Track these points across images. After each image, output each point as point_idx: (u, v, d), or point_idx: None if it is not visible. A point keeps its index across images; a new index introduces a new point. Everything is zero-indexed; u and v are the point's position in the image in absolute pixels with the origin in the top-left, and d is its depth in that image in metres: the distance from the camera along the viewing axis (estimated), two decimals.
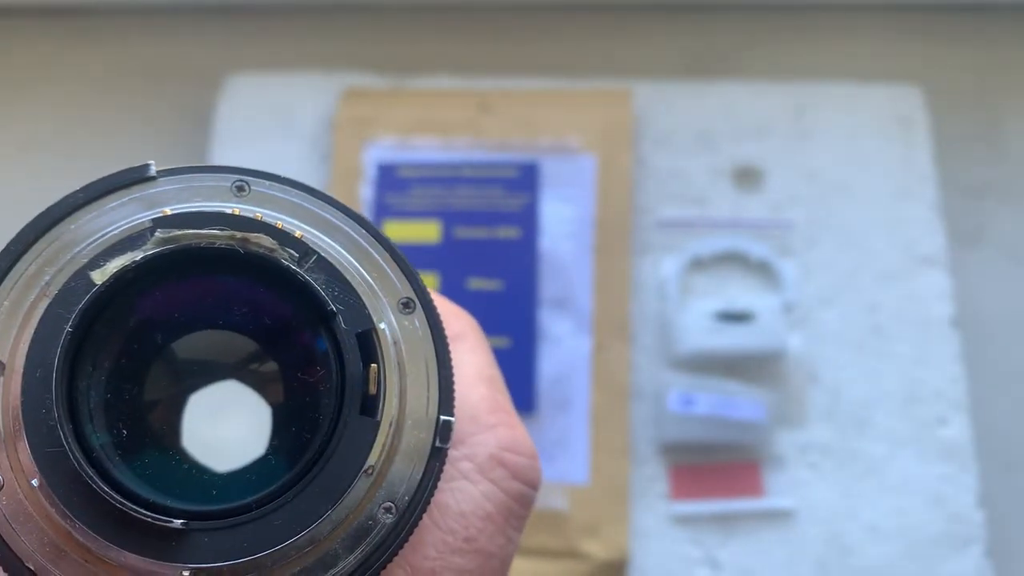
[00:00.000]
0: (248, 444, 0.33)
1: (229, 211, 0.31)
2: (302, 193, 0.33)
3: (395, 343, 0.32)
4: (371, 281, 0.32)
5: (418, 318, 0.32)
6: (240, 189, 0.32)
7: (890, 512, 0.75)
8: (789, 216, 0.83)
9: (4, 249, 0.31)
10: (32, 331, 0.30)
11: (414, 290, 0.33)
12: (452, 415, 0.32)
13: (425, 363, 0.32)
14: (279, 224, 0.31)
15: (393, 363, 0.31)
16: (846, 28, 0.92)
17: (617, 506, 0.75)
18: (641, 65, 0.90)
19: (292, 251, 0.31)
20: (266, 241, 0.31)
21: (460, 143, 0.83)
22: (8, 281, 0.30)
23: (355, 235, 0.33)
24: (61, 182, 0.34)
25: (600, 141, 0.83)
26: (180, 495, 0.31)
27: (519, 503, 0.36)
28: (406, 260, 0.33)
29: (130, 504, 0.29)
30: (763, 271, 0.81)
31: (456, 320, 0.39)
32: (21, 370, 0.29)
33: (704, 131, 0.85)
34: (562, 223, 0.81)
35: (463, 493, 0.35)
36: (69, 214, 0.31)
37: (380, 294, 0.32)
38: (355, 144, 0.84)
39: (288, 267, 0.31)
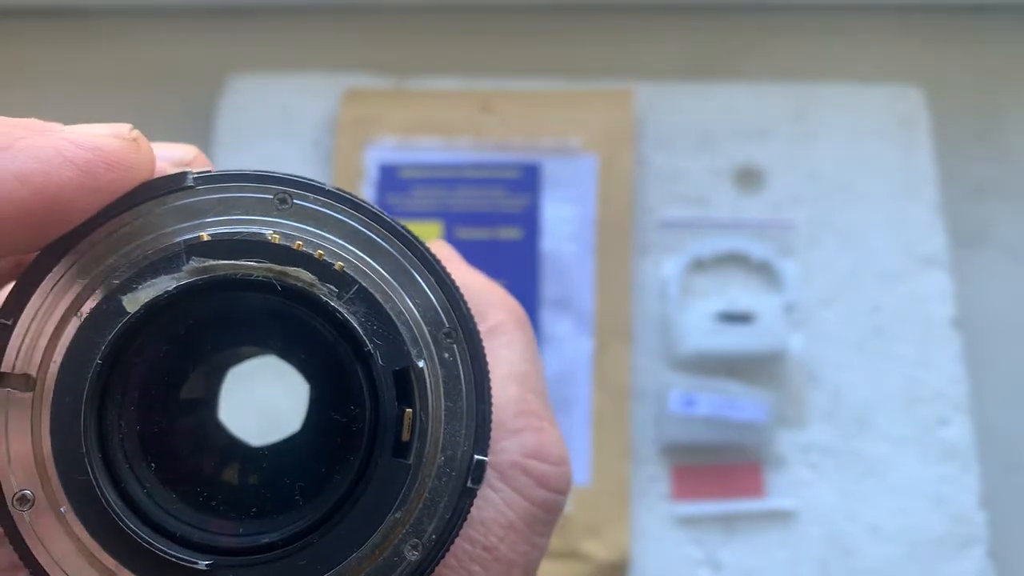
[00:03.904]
0: (277, 481, 0.32)
1: (268, 236, 0.30)
2: (346, 208, 0.32)
3: (433, 379, 0.31)
4: (413, 309, 0.31)
5: (459, 348, 0.31)
6: (282, 202, 0.31)
7: (891, 513, 0.75)
8: (790, 216, 0.83)
9: (35, 259, 0.30)
10: (62, 349, 0.29)
11: (457, 318, 0.32)
12: (486, 454, 0.31)
13: (464, 397, 0.31)
14: (319, 254, 0.30)
15: (429, 402, 0.31)
16: (846, 29, 0.92)
17: (618, 507, 0.75)
18: (642, 66, 0.90)
19: (331, 286, 0.30)
20: (304, 276, 0.30)
21: (461, 144, 0.83)
22: (39, 293, 0.30)
23: (400, 258, 0.31)
24: None
25: (601, 142, 0.83)
26: (208, 530, 0.30)
27: (544, 510, 0.35)
28: (451, 284, 0.32)
29: (157, 544, 0.29)
30: (764, 271, 0.81)
31: (496, 311, 0.38)
32: (52, 391, 0.29)
33: (705, 132, 0.85)
34: (563, 224, 0.81)
35: (484, 501, 0.34)
36: (103, 223, 0.30)
37: (422, 323, 0.31)
38: (357, 145, 0.84)
39: (327, 303, 0.30)
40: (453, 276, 0.36)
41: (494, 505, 0.34)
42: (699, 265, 0.82)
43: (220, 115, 0.86)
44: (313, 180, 0.32)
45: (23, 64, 0.94)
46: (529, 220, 0.81)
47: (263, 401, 0.36)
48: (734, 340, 0.78)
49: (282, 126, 0.86)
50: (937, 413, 0.77)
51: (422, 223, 0.81)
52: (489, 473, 0.34)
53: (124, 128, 0.31)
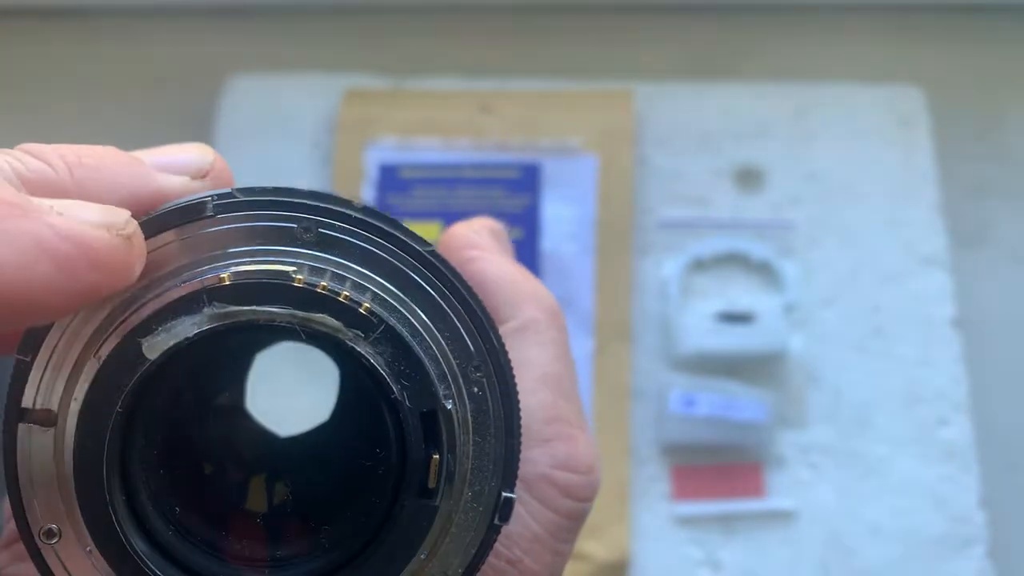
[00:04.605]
0: (303, 521, 0.32)
1: (291, 275, 0.29)
2: (372, 237, 0.30)
3: (461, 415, 0.30)
4: (441, 341, 0.30)
5: (488, 383, 0.31)
6: (306, 231, 0.30)
7: (891, 513, 0.75)
8: (790, 217, 0.83)
9: None
10: (81, 391, 0.29)
11: (487, 350, 0.31)
12: (514, 491, 0.31)
13: (492, 433, 0.31)
14: (344, 296, 0.29)
15: (457, 441, 0.30)
16: (846, 28, 0.92)
17: (618, 507, 0.75)
18: (642, 66, 0.90)
19: (357, 331, 0.29)
20: (329, 321, 0.29)
21: (461, 144, 0.83)
22: (56, 328, 0.29)
23: (428, 288, 0.31)
24: None
25: (601, 142, 0.83)
26: (235, 570, 0.30)
27: (570, 519, 0.34)
28: (480, 313, 0.31)
29: None
30: (764, 272, 0.81)
31: (529, 305, 0.36)
32: (73, 433, 0.29)
33: (705, 132, 0.85)
34: (563, 224, 0.81)
35: None
36: None
37: (451, 357, 0.30)
38: (357, 145, 0.84)
39: (353, 349, 0.29)
40: (487, 267, 0.36)
41: (520, 518, 0.33)
42: (699, 265, 0.82)
43: (220, 115, 0.86)
44: (339, 202, 0.31)
45: (23, 64, 0.94)
46: (529, 220, 0.81)
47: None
48: (734, 340, 0.77)
49: (282, 126, 0.86)
50: (937, 413, 0.77)
51: (422, 223, 0.81)
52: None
53: (121, 218, 0.27)
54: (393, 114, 0.84)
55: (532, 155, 0.83)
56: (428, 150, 0.83)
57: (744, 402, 0.75)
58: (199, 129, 0.87)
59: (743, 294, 0.81)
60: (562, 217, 0.81)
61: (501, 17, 0.92)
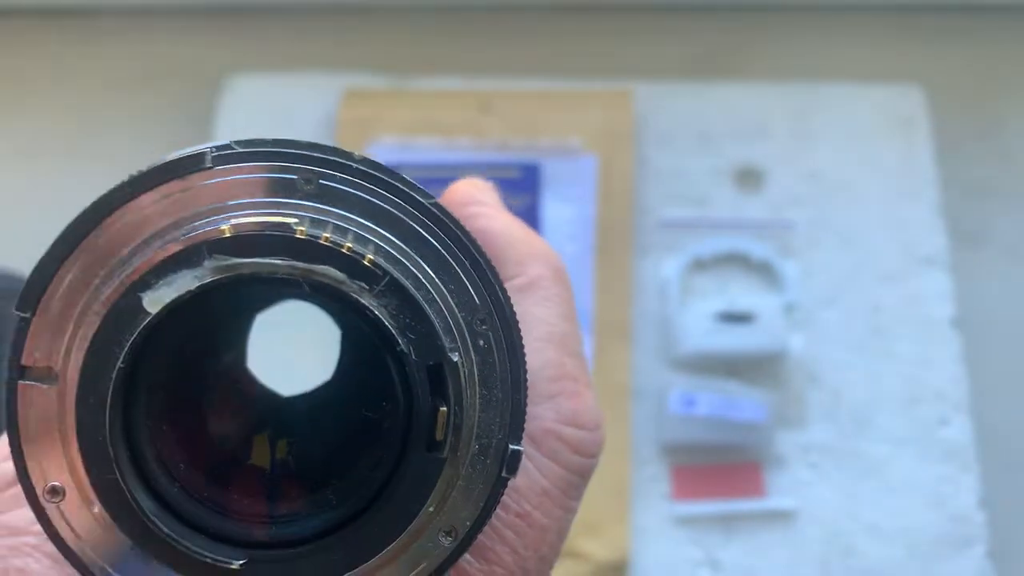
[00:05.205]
0: (310, 475, 0.32)
1: (293, 227, 0.29)
2: (374, 188, 0.30)
3: (467, 368, 0.30)
4: (447, 295, 0.30)
5: (494, 336, 0.30)
6: (307, 183, 0.29)
7: (891, 512, 0.75)
8: (790, 216, 0.83)
9: (50, 248, 0.29)
10: (82, 346, 0.28)
11: (492, 302, 0.30)
12: (520, 444, 0.31)
13: (499, 386, 0.30)
14: (347, 248, 0.29)
15: (464, 394, 0.29)
16: (846, 28, 0.92)
17: (618, 506, 0.75)
18: (642, 66, 0.90)
19: (361, 283, 0.28)
20: (333, 273, 0.28)
21: (461, 144, 0.83)
22: (55, 283, 0.29)
23: (433, 241, 0.30)
24: (62, 183, 0.33)
25: (601, 142, 0.83)
26: (241, 523, 0.30)
27: (578, 474, 0.35)
28: (485, 266, 0.31)
29: (190, 547, 0.29)
30: (764, 271, 0.81)
31: (534, 262, 0.36)
32: (75, 391, 0.28)
33: (705, 132, 0.85)
34: (563, 224, 0.81)
35: None
36: (118, 207, 0.29)
37: (456, 309, 0.30)
38: (357, 145, 0.84)
39: (357, 301, 0.28)
40: (491, 224, 0.35)
41: (528, 472, 0.33)
42: (699, 265, 0.82)
43: (220, 115, 0.86)
44: (340, 154, 0.30)
45: (23, 64, 0.94)
46: (529, 220, 0.80)
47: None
48: (734, 340, 0.77)
49: (281, 126, 0.86)
50: (937, 413, 0.77)
51: None
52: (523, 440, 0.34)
53: None
54: (393, 114, 0.85)
55: (532, 155, 0.83)
56: (428, 150, 0.83)
57: (744, 402, 0.75)
58: (199, 128, 0.87)
59: (743, 294, 0.81)
60: (562, 217, 0.81)
61: (501, 17, 0.93)
